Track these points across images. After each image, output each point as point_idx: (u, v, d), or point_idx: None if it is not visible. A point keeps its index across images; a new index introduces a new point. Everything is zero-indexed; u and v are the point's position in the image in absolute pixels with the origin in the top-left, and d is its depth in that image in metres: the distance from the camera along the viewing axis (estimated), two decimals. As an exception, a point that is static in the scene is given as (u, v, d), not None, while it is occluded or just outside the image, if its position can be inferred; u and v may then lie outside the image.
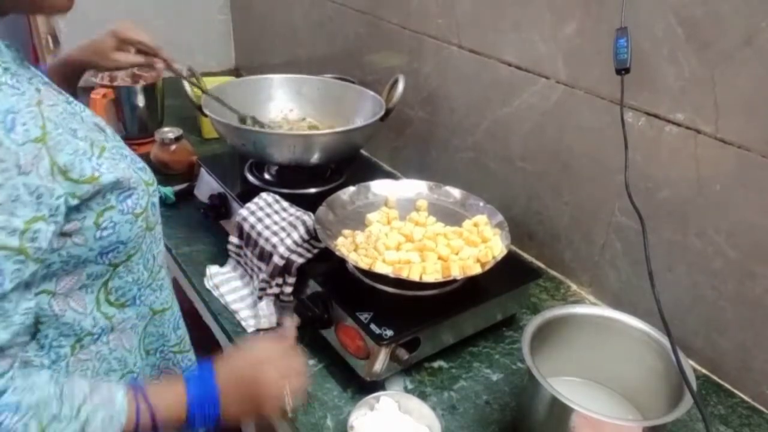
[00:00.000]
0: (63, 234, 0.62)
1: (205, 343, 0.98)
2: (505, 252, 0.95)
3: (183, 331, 0.87)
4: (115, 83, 1.53)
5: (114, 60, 1.04)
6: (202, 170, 1.31)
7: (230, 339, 1.01)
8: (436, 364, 0.97)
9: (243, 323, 1.02)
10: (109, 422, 0.62)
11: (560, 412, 0.73)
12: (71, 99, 0.72)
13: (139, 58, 1.07)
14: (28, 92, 0.59)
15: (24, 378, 0.59)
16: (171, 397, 0.68)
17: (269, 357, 0.75)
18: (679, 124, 0.92)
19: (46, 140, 0.57)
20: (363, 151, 1.47)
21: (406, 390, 0.92)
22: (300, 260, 0.99)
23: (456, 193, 1.12)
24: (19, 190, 0.54)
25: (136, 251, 0.72)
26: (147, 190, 0.71)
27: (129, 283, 0.73)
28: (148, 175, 0.73)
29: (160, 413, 0.66)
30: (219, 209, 1.23)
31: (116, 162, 0.67)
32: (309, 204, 1.07)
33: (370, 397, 0.82)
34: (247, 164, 1.31)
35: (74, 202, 0.61)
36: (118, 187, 0.66)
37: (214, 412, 0.70)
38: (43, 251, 0.58)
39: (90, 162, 0.62)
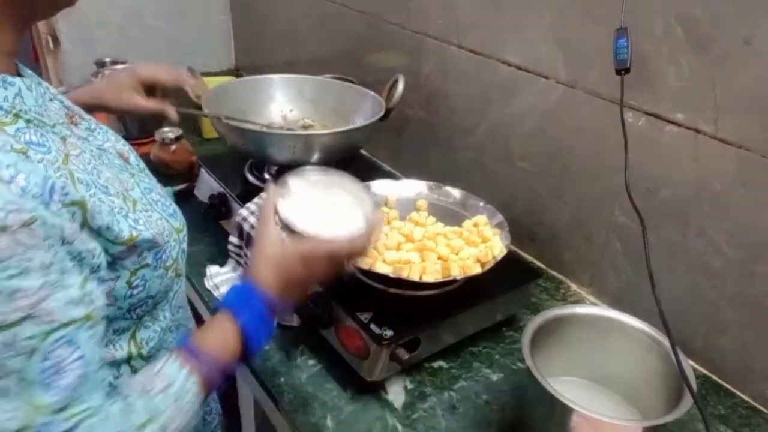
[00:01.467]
0: None
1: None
2: (505, 252, 0.95)
3: None
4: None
5: (126, 102, 0.98)
6: (202, 170, 1.31)
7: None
8: (436, 364, 0.97)
9: (243, 323, 1.02)
10: (183, 404, 0.60)
11: (560, 412, 0.72)
12: (93, 125, 0.69)
13: (152, 105, 1.00)
14: (54, 147, 0.56)
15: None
16: (226, 338, 0.66)
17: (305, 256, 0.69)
18: (679, 124, 0.92)
19: (85, 204, 0.55)
20: (363, 151, 1.47)
21: (406, 390, 0.92)
22: (300, 260, 0.99)
23: (456, 193, 1.12)
24: (65, 261, 0.53)
25: (163, 299, 0.70)
26: (178, 238, 0.69)
27: (156, 333, 0.71)
28: (179, 221, 0.71)
29: (224, 360, 0.65)
30: (219, 209, 1.23)
31: (149, 214, 0.65)
32: (309, 204, 1.07)
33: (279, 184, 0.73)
34: (247, 164, 1.31)
35: (109, 258, 0.59)
36: (154, 245, 0.64)
37: (271, 325, 0.69)
38: (104, 306, 0.57)
39: (126, 220, 0.60)
